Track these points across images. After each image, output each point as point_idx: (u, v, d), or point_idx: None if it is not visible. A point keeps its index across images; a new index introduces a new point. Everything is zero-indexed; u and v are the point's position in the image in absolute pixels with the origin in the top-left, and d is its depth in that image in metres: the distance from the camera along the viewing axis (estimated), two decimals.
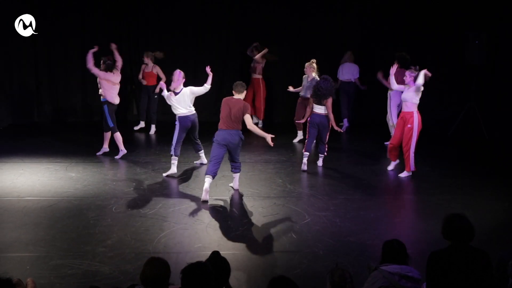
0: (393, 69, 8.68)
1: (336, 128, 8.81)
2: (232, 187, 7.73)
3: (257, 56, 11.40)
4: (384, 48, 11.96)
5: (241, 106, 7.26)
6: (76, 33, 12.11)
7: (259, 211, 6.98)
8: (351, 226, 6.58)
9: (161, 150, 9.85)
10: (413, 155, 8.21)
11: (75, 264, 5.45)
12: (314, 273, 5.37)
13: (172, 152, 8.33)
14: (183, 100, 8.28)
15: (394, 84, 8.53)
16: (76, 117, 12.43)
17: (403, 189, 8.12)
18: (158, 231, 6.29)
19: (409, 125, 8.10)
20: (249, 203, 7.24)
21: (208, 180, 7.20)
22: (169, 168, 8.38)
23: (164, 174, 8.34)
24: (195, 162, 8.97)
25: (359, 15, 12.37)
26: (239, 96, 7.34)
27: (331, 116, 8.69)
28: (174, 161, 8.36)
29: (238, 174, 7.68)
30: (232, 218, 6.78)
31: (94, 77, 11.40)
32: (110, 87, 9.03)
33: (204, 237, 6.22)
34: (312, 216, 6.82)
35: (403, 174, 8.35)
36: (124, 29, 12.32)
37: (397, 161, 8.62)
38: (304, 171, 8.59)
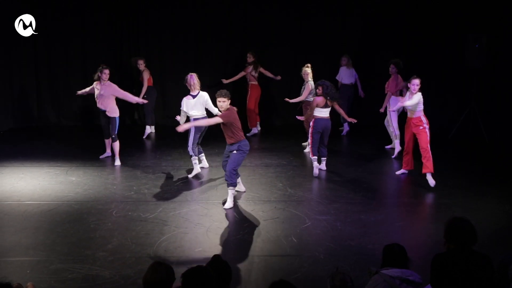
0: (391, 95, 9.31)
1: (350, 119, 8.82)
2: (239, 191, 7.72)
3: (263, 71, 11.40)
4: (384, 51, 11.97)
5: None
6: (76, 36, 12.12)
7: (260, 215, 6.98)
8: (351, 230, 6.57)
9: (161, 154, 9.85)
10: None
11: (76, 269, 5.44)
12: (315, 277, 5.37)
13: (192, 153, 8.46)
14: (199, 102, 8.37)
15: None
16: (77, 120, 12.44)
17: (403, 192, 8.10)
18: (158, 235, 6.28)
19: (421, 127, 8.00)
20: (250, 207, 7.23)
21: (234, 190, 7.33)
22: (191, 169, 8.56)
23: (190, 176, 8.45)
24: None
25: (359, 17, 12.37)
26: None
27: (342, 112, 8.76)
28: (195, 161, 8.50)
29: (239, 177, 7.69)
30: (232, 222, 6.77)
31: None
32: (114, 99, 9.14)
33: (204, 241, 6.21)
34: (313, 220, 6.81)
35: (431, 181, 7.95)
36: (124, 31, 12.34)
37: (408, 169, 8.52)
38: (316, 176, 8.54)
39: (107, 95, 8.92)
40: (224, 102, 7.12)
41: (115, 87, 9.02)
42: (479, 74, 11.08)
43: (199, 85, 8.45)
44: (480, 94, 11.22)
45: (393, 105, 9.57)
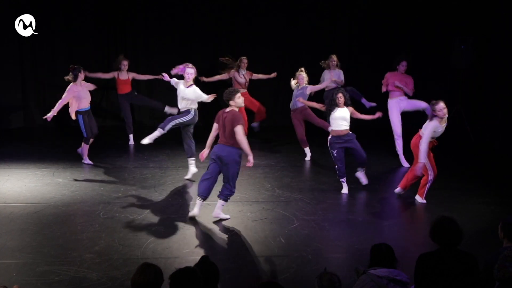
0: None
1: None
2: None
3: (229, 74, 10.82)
4: (371, 52, 12.04)
5: (230, 118, 6.57)
6: (63, 36, 12.03)
7: (248, 215, 6.98)
8: (339, 230, 6.60)
9: (149, 155, 9.80)
10: None
11: (62, 271, 5.40)
12: (303, 277, 5.38)
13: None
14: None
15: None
16: (63, 122, 12.35)
17: (390, 193, 8.13)
18: (146, 237, 6.26)
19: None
20: (238, 208, 7.23)
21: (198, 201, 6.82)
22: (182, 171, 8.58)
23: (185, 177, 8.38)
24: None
25: (348, 19, 12.42)
26: (230, 107, 6.67)
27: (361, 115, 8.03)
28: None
29: (221, 201, 6.75)
30: (220, 223, 6.76)
31: None
32: None
33: (192, 242, 6.20)
34: (301, 221, 6.83)
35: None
36: (111, 31, 12.27)
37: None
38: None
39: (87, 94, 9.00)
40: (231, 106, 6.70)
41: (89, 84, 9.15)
42: (465, 75, 11.18)
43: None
44: (466, 95, 11.32)
45: (399, 107, 9.17)
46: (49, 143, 10.68)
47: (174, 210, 7.14)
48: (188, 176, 8.37)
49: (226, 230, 6.55)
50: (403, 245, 6.02)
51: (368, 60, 12.09)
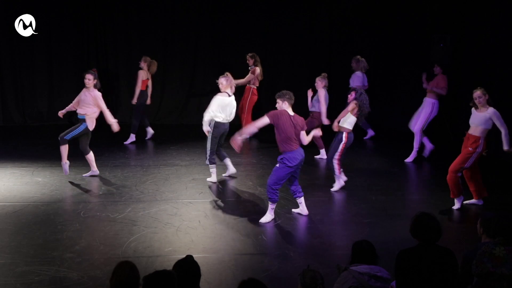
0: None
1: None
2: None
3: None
4: (352, 51, 12.08)
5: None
6: (42, 34, 11.88)
7: (230, 213, 6.98)
8: (321, 227, 6.63)
9: (130, 154, 9.75)
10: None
11: (42, 271, 5.35)
12: (285, 274, 5.40)
13: (212, 162, 8.02)
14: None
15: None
16: (42, 121, 12.21)
17: (371, 190, 8.20)
18: (127, 236, 6.22)
19: (470, 148, 7.42)
20: (219, 206, 7.22)
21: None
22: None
23: (209, 179, 8.14)
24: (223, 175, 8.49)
25: (327, 18, 12.47)
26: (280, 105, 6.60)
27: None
28: (214, 169, 8.09)
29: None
30: (202, 221, 6.75)
31: (60, 81, 11.21)
32: None
33: (174, 240, 6.18)
34: (283, 218, 6.85)
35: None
36: (91, 31, 12.15)
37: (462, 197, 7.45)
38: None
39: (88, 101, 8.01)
40: (277, 104, 6.60)
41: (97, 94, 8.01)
42: (443, 73, 11.29)
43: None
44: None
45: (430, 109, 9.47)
46: (28, 142, 10.55)
47: (155, 208, 7.11)
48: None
49: (207, 228, 6.54)
50: (384, 242, 6.06)
51: (348, 58, 12.14)
